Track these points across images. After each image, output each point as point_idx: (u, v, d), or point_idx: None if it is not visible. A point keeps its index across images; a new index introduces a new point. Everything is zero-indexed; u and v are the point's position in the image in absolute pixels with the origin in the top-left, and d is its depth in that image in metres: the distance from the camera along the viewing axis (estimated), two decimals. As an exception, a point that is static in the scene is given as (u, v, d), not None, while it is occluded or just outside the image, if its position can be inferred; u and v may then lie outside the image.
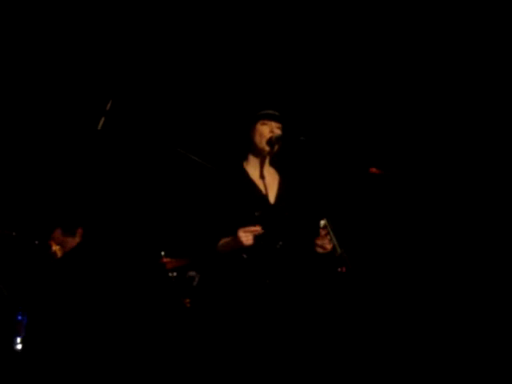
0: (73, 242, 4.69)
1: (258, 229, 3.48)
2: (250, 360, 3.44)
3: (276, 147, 3.69)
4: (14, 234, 4.59)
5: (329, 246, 3.67)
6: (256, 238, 3.50)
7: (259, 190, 3.66)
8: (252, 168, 3.72)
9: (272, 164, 3.77)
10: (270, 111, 3.71)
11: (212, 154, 4.16)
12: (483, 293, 5.11)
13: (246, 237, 3.46)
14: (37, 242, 4.61)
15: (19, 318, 4.48)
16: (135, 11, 5.51)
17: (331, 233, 3.81)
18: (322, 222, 3.91)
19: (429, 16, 5.48)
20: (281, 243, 3.58)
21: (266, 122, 3.68)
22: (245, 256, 3.54)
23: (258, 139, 3.67)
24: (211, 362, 3.50)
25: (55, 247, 4.63)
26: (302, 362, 3.53)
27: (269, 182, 3.69)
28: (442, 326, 5.03)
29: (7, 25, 5.37)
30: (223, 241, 3.56)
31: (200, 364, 3.55)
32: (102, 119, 4.25)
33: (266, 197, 3.64)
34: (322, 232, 3.69)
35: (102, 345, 4.34)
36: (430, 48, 5.53)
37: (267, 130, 3.67)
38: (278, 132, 3.68)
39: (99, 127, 4.28)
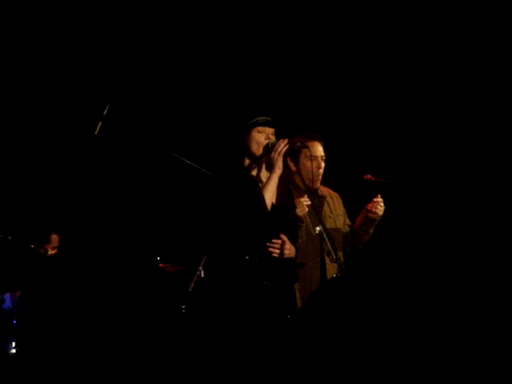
0: None
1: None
2: (248, 362, 3.47)
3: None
4: (9, 238, 4.58)
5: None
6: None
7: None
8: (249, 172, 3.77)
9: (268, 168, 3.80)
10: (264, 118, 3.75)
11: (210, 159, 4.19)
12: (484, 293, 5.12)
13: (290, 250, 3.57)
14: (32, 246, 4.59)
15: (14, 322, 4.47)
16: (132, 18, 5.55)
17: (326, 239, 3.84)
18: (318, 229, 3.95)
19: (428, 18, 5.51)
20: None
21: (260, 129, 3.73)
22: (247, 257, 3.57)
23: (254, 147, 3.73)
24: (210, 363, 3.52)
25: (52, 252, 4.63)
26: (299, 364, 3.55)
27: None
28: (444, 325, 5.03)
29: (5, 28, 5.38)
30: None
31: (199, 366, 3.57)
32: (99, 124, 4.25)
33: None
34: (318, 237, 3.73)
35: (98, 349, 4.32)
36: (427, 54, 5.57)
37: (263, 138, 3.72)
38: (273, 138, 3.73)
39: (96, 132, 4.29)
